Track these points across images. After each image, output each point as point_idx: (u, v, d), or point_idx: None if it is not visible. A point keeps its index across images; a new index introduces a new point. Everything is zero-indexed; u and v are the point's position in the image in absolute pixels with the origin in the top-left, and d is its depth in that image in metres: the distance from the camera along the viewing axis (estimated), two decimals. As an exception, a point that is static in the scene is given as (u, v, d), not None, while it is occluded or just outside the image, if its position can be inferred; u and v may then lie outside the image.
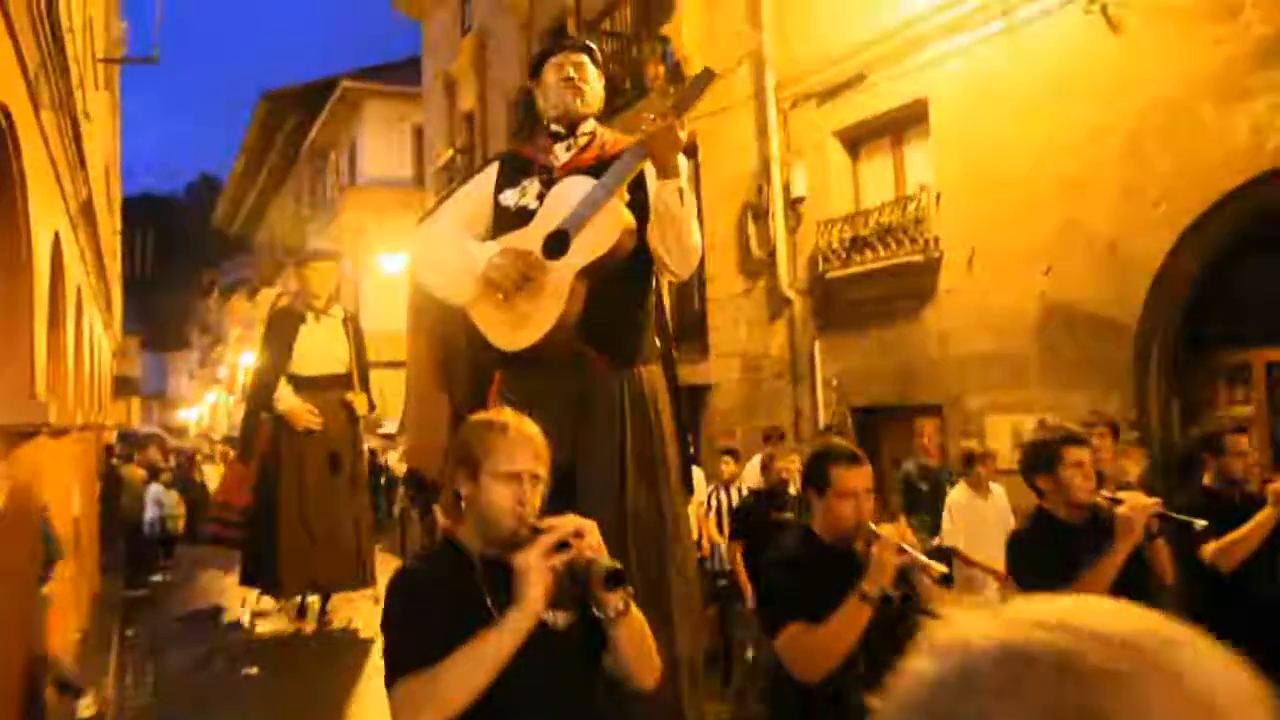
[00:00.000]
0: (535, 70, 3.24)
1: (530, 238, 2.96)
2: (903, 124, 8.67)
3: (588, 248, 2.88)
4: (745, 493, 6.82)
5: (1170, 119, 6.45)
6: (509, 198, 3.08)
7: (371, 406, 6.90)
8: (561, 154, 3.14)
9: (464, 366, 3.26)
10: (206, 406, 49.77)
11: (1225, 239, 6.43)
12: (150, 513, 12.63)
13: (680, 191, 2.94)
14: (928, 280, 8.15)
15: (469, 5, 18.19)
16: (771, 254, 9.66)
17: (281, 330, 6.70)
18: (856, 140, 9.23)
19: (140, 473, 13.70)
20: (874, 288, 8.66)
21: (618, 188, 2.89)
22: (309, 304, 6.75)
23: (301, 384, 6.62)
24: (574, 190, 2.93)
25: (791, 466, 5.92)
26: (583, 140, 3.15)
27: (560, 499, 2.22)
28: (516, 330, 2.93)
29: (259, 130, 28.62)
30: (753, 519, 6.07)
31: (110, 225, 14.13)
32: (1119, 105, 6.74)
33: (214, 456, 20.49)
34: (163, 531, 12.71)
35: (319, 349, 6.65)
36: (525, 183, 3.06)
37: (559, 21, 13.81)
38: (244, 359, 35.87)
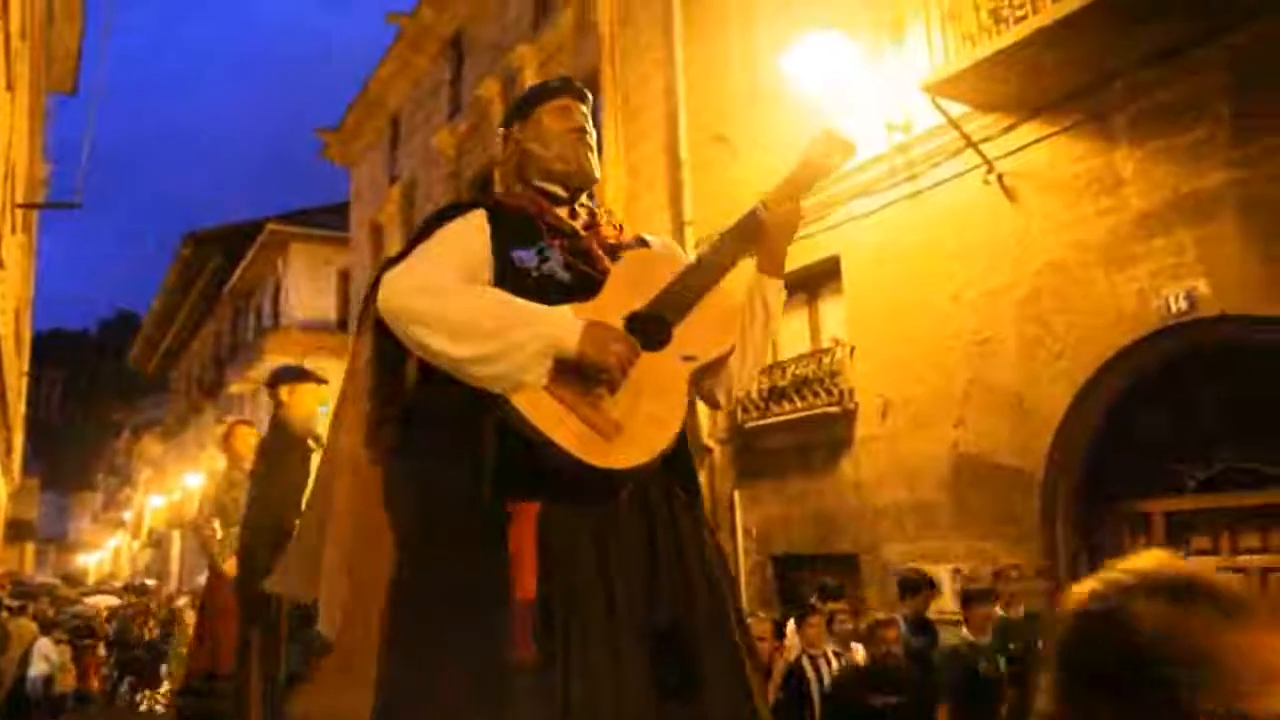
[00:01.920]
0: (522, 111, 2.41)
1: (599, 316, 2.06)
2: (817, 280, 9.01)
3: (705, 343, 2.16)
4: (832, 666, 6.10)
5: (1065, 281, 6.84)
6: (528, 259, 2.15)
7: None
8: (574, 219, 2.30)
9: (453, 492, 2.03)
10: (109, 551, 47.57)
11: (1121, 393, 6.74)
12: (35, 669, 11.88)
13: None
14: (843, 431, 8.33)
15: (397, 154, 18.63)
16: (691, 403, 9.77)
17: (297, 451, 5.11)
18: (773, 294, 9.52)
19: (31, 626, 12.95)
20: (791, 437, 8.81)
21: (726, 271, 2.22)
22: (310, 430, 5.27)
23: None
24: (654, 267, 2.21)
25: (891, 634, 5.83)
26: (591, 213, 2.35)
27: (671, 673, 1.90)
28: (615, 444, 1.96)
29: (180, 270, 28.46)
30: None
31: (17, 367, 13.76)
32: (1018, 267, 7.13)
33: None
34: (46, 690, 11.93)
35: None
36: (540, 244, 2.18)
37: (486, 172, 14.21)
38: (152, 501, 34.60)
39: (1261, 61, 5.85)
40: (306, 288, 23.33)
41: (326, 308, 23.14)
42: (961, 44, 7.03)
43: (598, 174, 2.37)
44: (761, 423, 9.04)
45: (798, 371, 8.81)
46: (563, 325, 1.97)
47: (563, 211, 2.29)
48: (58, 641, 12.53)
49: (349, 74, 22.30)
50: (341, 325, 22.04)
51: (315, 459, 4.93)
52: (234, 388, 25.68)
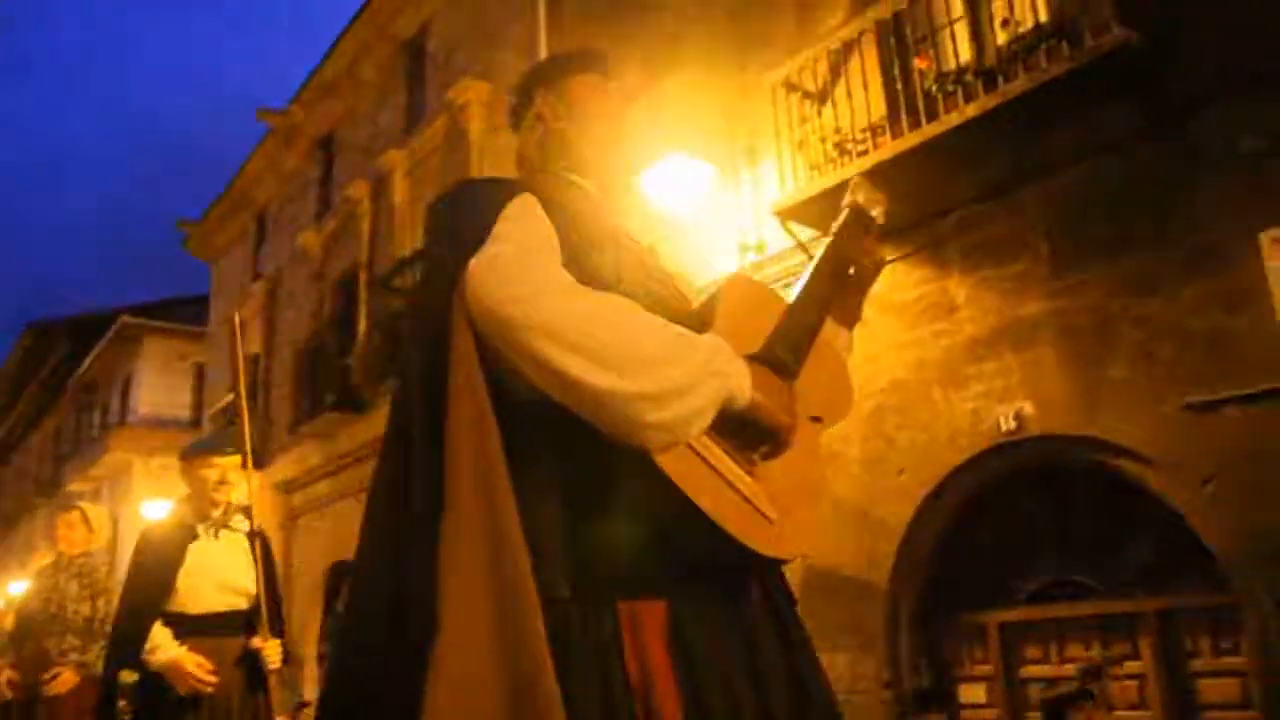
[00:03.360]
0: (549, 78, 1.89)
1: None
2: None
3: (828, 401, 1.72)
4: None
5: (907, 399, 7.17)
6: (605, 268, 1.59)
7: (287, 658, 4.59)
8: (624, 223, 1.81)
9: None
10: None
11: (958, 508, 7.04)
12: None
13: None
14: (699, 541, 8.40)
15: (261, 252, 18.32)
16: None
17: (159, 553, 4.43)
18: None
19: None
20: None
21: (826, 315, 1.77)
22: (204, 513, 4.50)
23: (187, 627, 4.34)
24: (754, 299, 1.71)
25: None
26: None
27: None
28: (779, 525, 1.49)
29: (21, 359, 26.99)
30: None
31: None
32: (864, 385, 7.42)
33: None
34: None
35: (214, 576, 4.43)
36: (611, 254, 1.61)
37: (351, 275, 14.10)
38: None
39: (1075, 202, 6.38)
40: (159, 383, 22.44)
41: (179, 404, 22.26)
42: (809, 173, 7.44)
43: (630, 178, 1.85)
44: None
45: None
46: (735, 361, 1.44)
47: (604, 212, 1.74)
48: None
49: (217, 168, 21.95)
50: (195, 423, 21.19)
51: (200, 544, 4.33)
52: (73, 485, 24.24)
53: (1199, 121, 5.75)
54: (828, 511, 1.50)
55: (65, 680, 5.39)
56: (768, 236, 8.14)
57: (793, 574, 6.39)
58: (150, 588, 4.29)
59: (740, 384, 1.43)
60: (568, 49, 1.91)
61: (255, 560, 4.38)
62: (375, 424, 12.66)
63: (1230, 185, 5.55)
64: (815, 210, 7.46)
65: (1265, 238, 5.30)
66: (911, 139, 6.65)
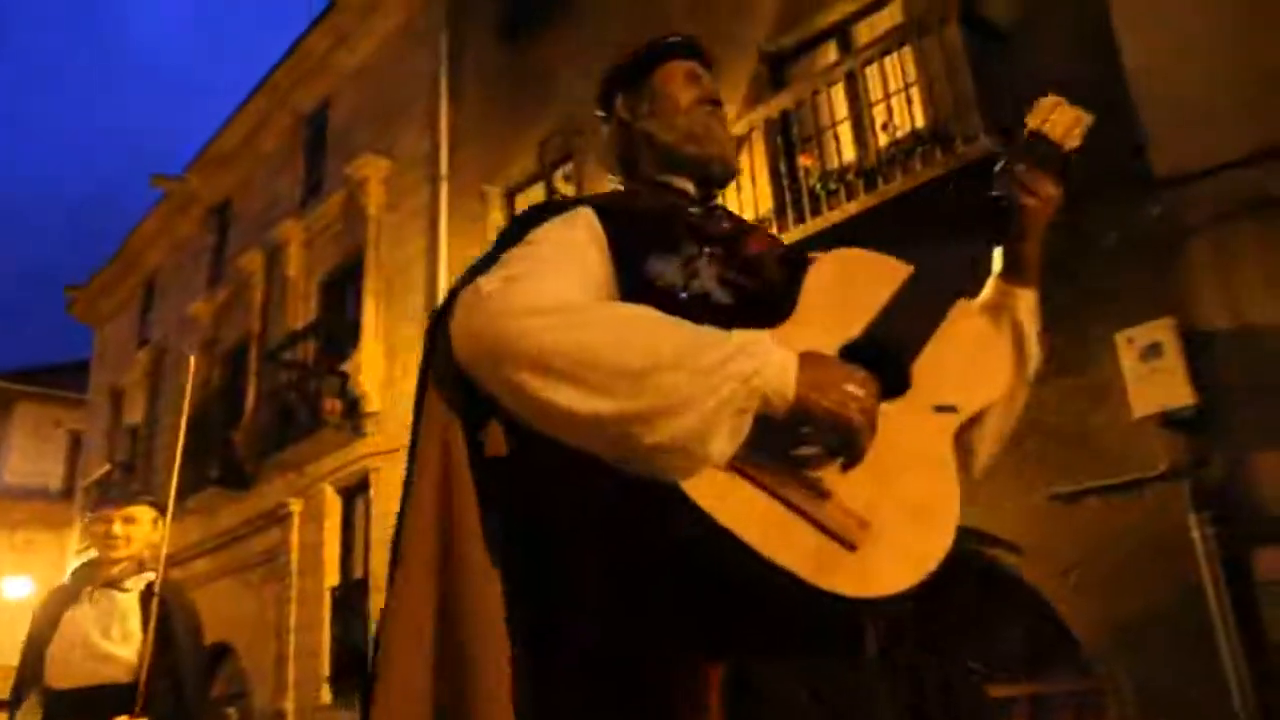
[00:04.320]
0: (630, 79, 1.70)
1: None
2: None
3: (966, 385, 1.40)
4: None
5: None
6: (668, 272, 1.41)
7: None
8: (717, 222, 1.59)
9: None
10: None
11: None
12: None
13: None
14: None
15: (149, 318, 17.78)
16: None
17: (39, 619, 3.93)
18: (524, 484, 9.59)
19: None
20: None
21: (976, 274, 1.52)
22: (96, 573, 3.94)
23: (56, 705, 3.75)
24: (861, 278, 1.46)
25: None
26: (730, 215, 1.66)
27: None
28: (863, 554, 1.19)
29: (-119, 426, 25.42)
30: None
31: None
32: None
33: None
34: None
35: (84, 644, 3.78)
36: (687, 253, 1.43)
37: (242, 344, 13.78)
38: None
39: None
40: (29, 450, 21.38)
41: (50, 474, 21.21)
42: (700, 261, 7.61)
43: (737, 163, 1.69)
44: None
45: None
46: (767, 356, 1.19)
47: (697, 211, 1.59)
48: None
49: (105, 232, 21.36)
50: (67, 493, 20.20)
51: (78, 609, 3.79)
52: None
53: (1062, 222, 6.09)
54: (951, 528, 1.13)
55: None
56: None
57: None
58: (26, 660, 3.80)
59: (777, 381, 1.16)
60: (643, 41, 1.69)
61: (142, 626, 3.73)
62: (259, 501, 12.28)
63: (1092, 283, 5.87)
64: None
65: (1120, 338, 5.60)
66: (797, 233, 6.88)
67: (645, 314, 1.25)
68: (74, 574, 4.05)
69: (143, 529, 3.88)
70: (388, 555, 1.35)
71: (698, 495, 1.14)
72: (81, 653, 3.73)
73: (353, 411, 10.89)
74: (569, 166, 9.63)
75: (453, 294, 1.38)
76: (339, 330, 12.12)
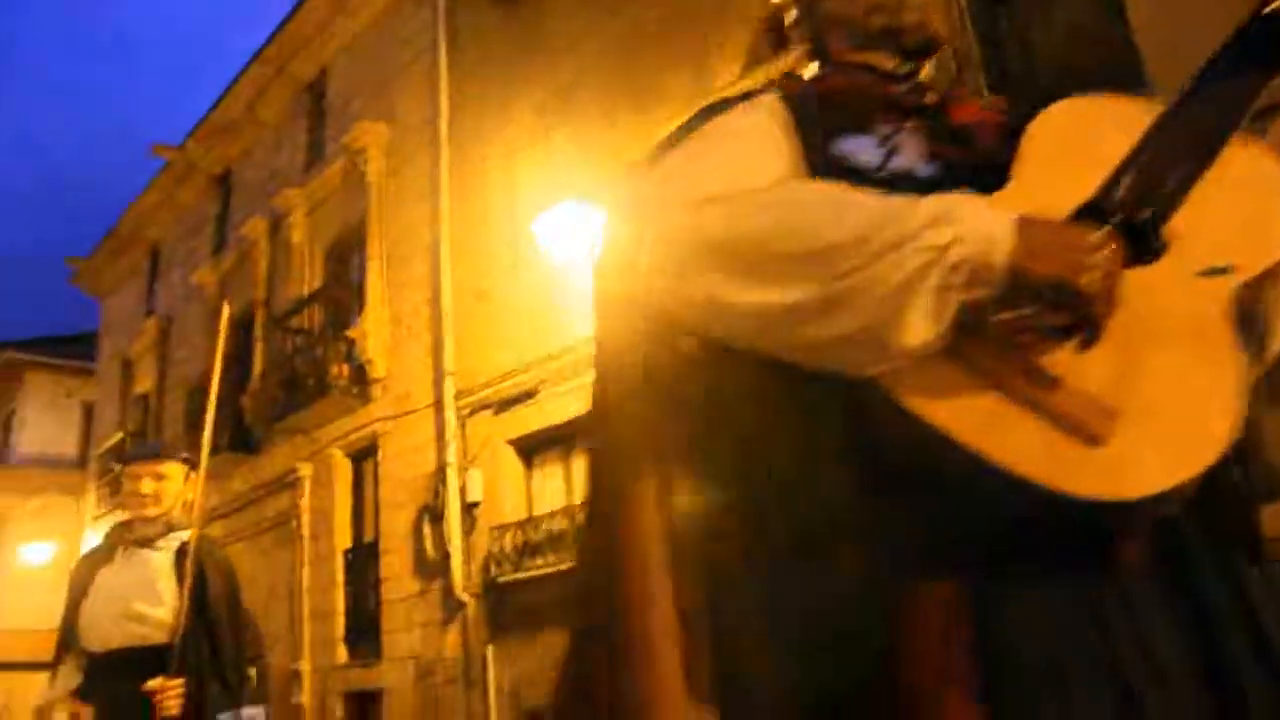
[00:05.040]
0: None
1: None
2: (572, 436, 9.25)
3: (1244, 240, 1.11)
4: None
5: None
6: (864, 151, 1.25)
7: (199, 702, 3.57)
8: (920, 94, 1.40)
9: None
10: None
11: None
12: None
13: None
14: (594, 585, 8.45)
15: (155, 288, 17.87)
16: (446, 556, 9.70)
17: (75, 582, 3.79)
18: (530, 449, 9.71)
19: None
20: (545, 592, 8.84)
21: (1245, 114, 1.16)
22: (129, 531, 3.82)
23: (92, 669, 3.62)
24: (1096, 127, 1.21)
25: None
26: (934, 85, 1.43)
27: None
28: (1114, 448, 0.96)
29: (-105, 398, 25.67)
30: None
31: None
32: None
33: None
34: None
35: (115, 605, 3.63)
36: (883, 130, 1.29)
37: (247, 314, 13.87)
38: None
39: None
40: (44, 421, 21.59)
41: (66, 443, 21.44)
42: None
43: (941, 26, 1.44)
44: (515, 576, 9.04)
45: (553, 526, 8.93)
46: (971, 220, 1.02)
47: (904, 87, 1.39)
48: None
49: (107, 203, 21.39)
50: (81, 462, 20.44)
51: (112, 567, 3.66)
52: None
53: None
54: (1232, 409, 0.88)
55: None
56: (661, 285, 8.29)
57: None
58: (65, 623, 3.66)
59: (984, 248, 0.99)
60: None
61: (179, 583, 3.59)
62: (269, 466, 12.43)
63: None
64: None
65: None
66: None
67: (830, 191, 1.09)
68: (107, 535, 3.87)
69: (174, 485, 3.74)
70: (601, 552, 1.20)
71: (902, 393, 0.99)
72: (116, 614, 3.59)
73: (359, 376, 10.99)
74: (559, 132, 9.62)
75: (623, 192, 1.23)
76: (344, 296, 12.20)
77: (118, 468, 3.78)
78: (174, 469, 3.75)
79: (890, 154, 1.22)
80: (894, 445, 1.01)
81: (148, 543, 3.68)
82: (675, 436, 1.18)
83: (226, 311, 4.54)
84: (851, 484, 1.03)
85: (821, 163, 1.20)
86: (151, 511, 3.68)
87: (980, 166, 1.20)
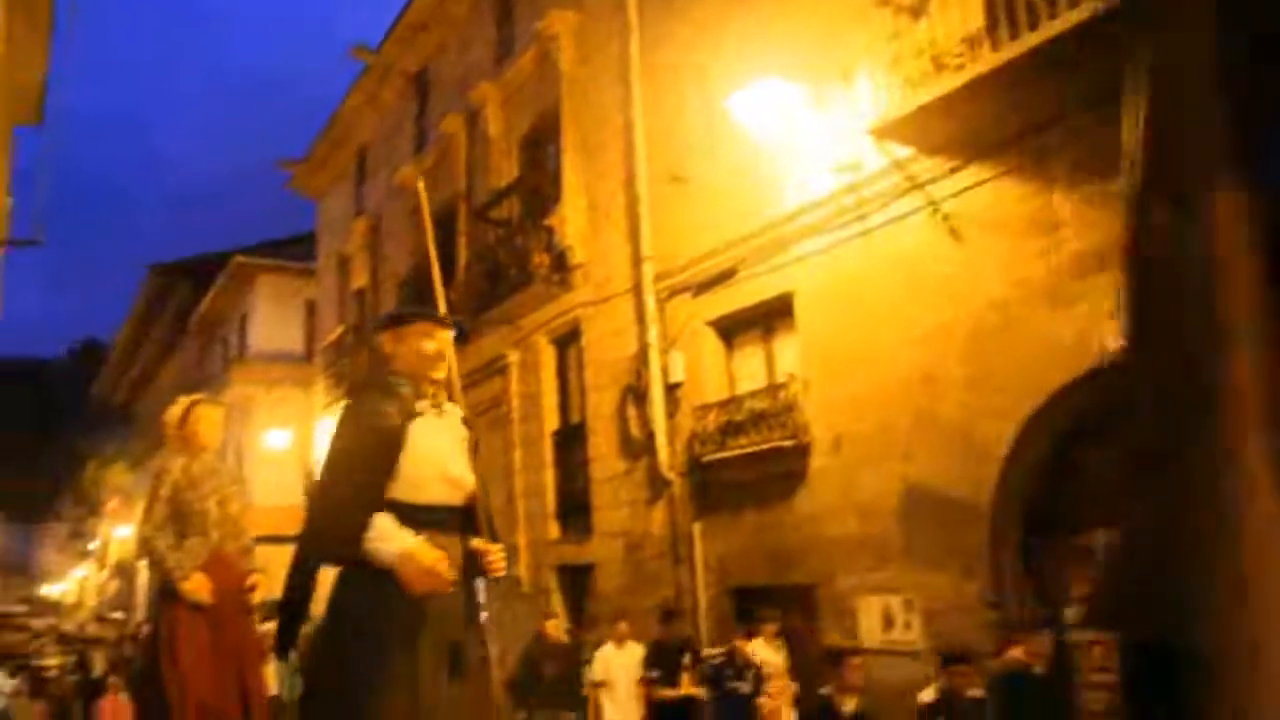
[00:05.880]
0: None
1: None
2: (771, 316, 9.17)
3: None
4: None
5: (1006, 319, 7.02)
6: None
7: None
8: None
9: None
10: (74, 581, 46.93)
11: (1063, 428, 6.91)
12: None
13: None
14: (798, 464, 8.46)
15: (363, 189, 18.72)
16: (651, 436, 9.92)
17: (381, 430, 3.44)
18: (729, 330, 9.70)
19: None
20: (748, 471, 8.94)
21: None
22: (418, 391, 3.55)
23: (407, 519, 3.43)
24: None
25: None
26: None
27: None
28: None
29: (147, 301, 28.32)
30: None
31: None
32: (961, 305, 7.32)
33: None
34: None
35: (436, 463, 3.50)
36: None
37: (450, 208, 14.34)
38: (117, 532, 34.21)
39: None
40: (273, 319, 23.28)
41: (293, 339, 23.10)
42: (905, 89, 7.24)
43: None
44: (719, 456, 9.15)
45: (754, 406, 8.95)
46: None
47: None
48: (11, 674, 12.42)
49: (319, 106, 22.39)
50: (307, 356, 22.00)
51: (426, 424, 3.43)
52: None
53: None
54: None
55: (264, 589, 4.73)
56: (863, 156, 7.98)
57: (892, 496, 6.30)
58: (373, 470, 3.39)
59: None
60: None
61: (470, 452, 3.56)
62: (478, 354, 12.98)
63: None
64: (912, 128, 7.29)
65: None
66: (1012, 49, 6.41)
67: None
68: (380, 385, 3.57)
69: (450, 352, 3.59)
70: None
71: None
72: (434, 470, 3.47)
73: (559, 264, 11.22)
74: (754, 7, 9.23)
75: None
76: (542, 186, 12.39)
77: (423, 323, 3.34)
78: (450, 336, 3.62)
79: None
80: None
81: (439, 405, 3.55)
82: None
83: (422, 184, 4.65)
84: None
85: None
86: (441, 374, 3.56)
87: None
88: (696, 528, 9.51)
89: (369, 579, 3.16)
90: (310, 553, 3.37)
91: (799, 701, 7.59)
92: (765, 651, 7.60)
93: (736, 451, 8.99)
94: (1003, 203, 7.10)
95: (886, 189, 7.87)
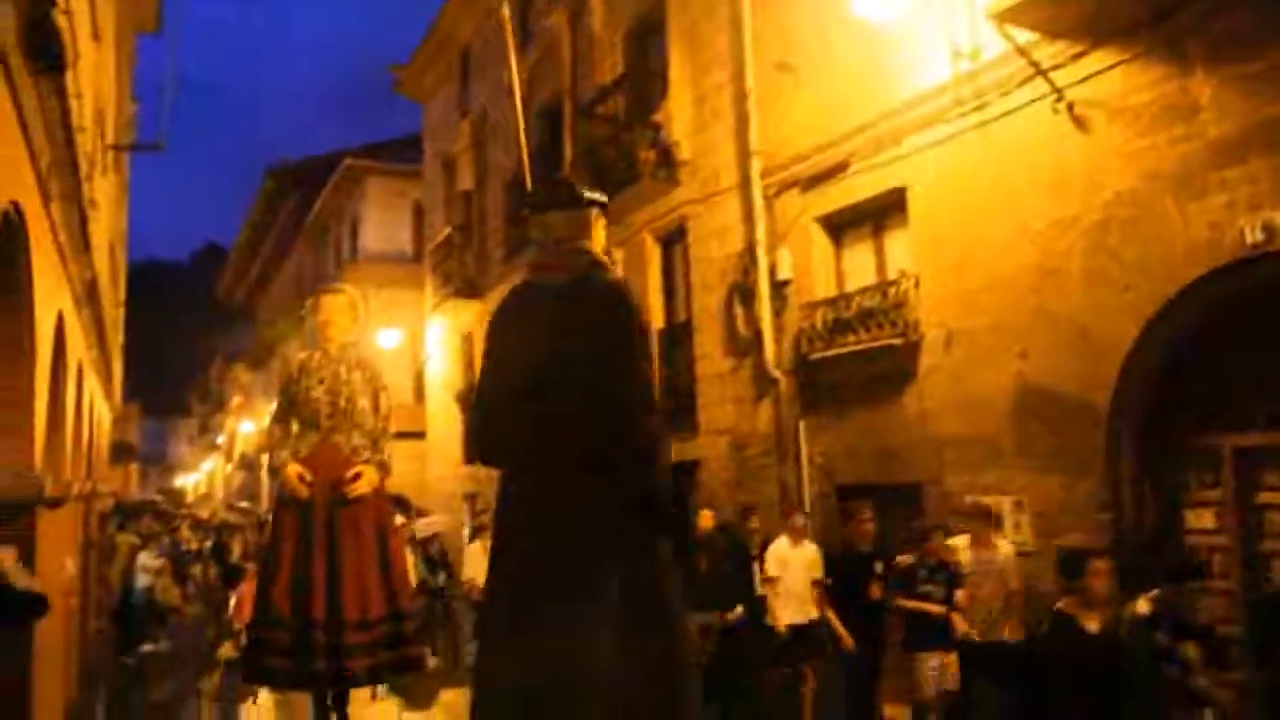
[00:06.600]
0: None
1: None
2: (882, 212, 8.96)
3: None
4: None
5: (1133, 212, 6.72)
6: None
7: None
8: None
9: None
10: (204, 473, 49.88)
11: (1190, 327, 6.65)
12: (141, 581, 12.67)
13: None
14: (907, 363, 8.36)
15: (468, 89, 18.74)
16: (758, 334, 9.90)
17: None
18: (838, 226, 9.52)
19: (132, 540, 13.77)
20: (856, 369, 8.87)
21: None
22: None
23: None
24: None
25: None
26: None
27: None
28: None
29: (263, 204, 29.19)
30: None
31: (114, 298, 14.40)
32: (1085, 198, 7.02)
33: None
34: (149, 599, 12.72)
35: None
36: None
37: (555, 105, 14.26)
38: (243, 427, 36.06)
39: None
40: (382, 221, 23.77)
41: (401, 240, 23.60)
42: (1030, -32, 6.85)
43: None
44: (827, 354, 9.09)
45: (863, 303, 8.82)
46: None
47: None
48: (157, 556, 13.30)
49: (422, 8, 22.33)
50: (416, 257, 22.44)
51: None
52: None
53: None
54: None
55: (369, 480, 4.49)
56: (982, 42, 7.63)
57: (1005, 395, 6.21)
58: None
59: None
60: None
61: None
62: (584, 254, 13.02)
63: None
64: (1036, 11, 6.92)
65: None
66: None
67: None
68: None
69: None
70: None
71: None
72: None
73: (665, 160, 11.11)
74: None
75: None
76: (647, 81, 12.22)
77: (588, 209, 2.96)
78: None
79: None
80: None
81: None
82: None
83: (507, 16, 4.42)
84: None
85: None
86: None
87: None
88: (803, 425, 9.52)
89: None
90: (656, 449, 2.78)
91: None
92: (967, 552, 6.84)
93: (844, 349, 8.91)
94: (1132, 89, 6.73)
95: (1006, 76, 7.53)
